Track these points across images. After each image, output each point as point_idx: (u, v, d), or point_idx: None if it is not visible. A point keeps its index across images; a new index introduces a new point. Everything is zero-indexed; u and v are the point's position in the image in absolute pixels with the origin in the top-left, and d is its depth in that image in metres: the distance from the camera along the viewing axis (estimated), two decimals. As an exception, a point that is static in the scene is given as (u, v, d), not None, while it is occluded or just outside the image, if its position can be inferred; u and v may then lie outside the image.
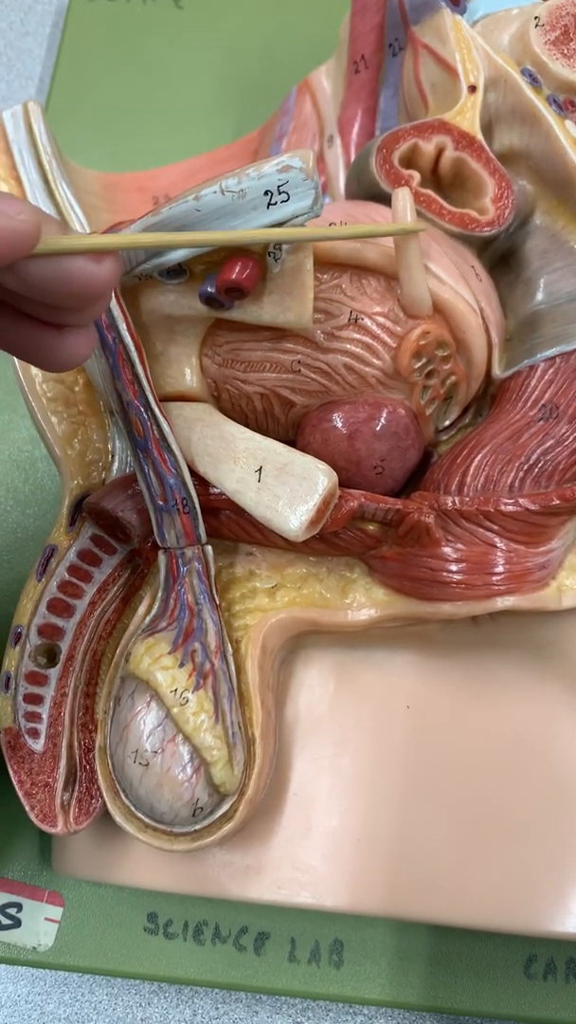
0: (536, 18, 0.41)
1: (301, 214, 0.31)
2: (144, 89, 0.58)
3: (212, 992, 0.43)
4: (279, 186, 0.31)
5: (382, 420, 0.36)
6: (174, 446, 0.35)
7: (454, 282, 0.36)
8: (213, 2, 0.60)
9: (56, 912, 0.42)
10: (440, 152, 0.39)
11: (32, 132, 0.44)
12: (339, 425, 0.36)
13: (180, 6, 0.60)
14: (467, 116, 0.40)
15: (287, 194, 0.31)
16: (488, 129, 0.41)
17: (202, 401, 0.37)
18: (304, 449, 0.37)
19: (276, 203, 0.31)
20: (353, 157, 0.45)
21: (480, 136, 0.40)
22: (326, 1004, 0.42)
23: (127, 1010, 0.43)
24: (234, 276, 0.33)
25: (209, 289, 0.34)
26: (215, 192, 0.31)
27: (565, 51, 0.40)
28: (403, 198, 0.34)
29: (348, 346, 0.36)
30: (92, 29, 0.60)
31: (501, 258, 0.42)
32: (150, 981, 0.43)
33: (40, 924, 0.42)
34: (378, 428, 0.36)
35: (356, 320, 0.35)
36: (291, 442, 0.37)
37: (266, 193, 0.31)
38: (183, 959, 0.41)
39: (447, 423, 0.39)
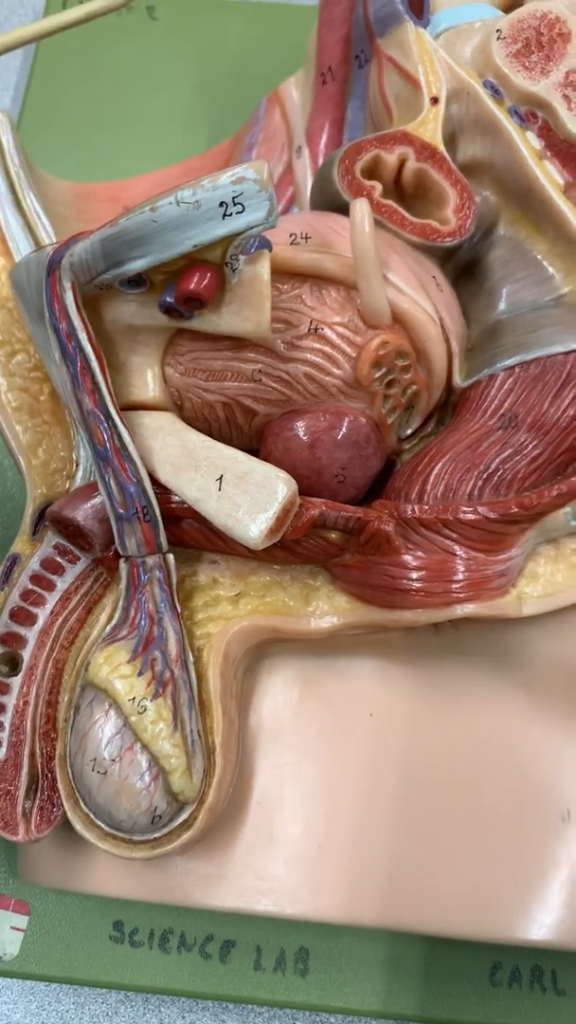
0: (498, 31, 0.41)
1: (256, 225, 0.31)
2: (118, 99, 0.59)
3: (179, 1000, 0.43)
4: (234, 197, 0.31)
5: (343, 429, 0.37)
6: (134, 455, 0.35)
7: (413, 292, 0.37)
8: (187, 14, 0.61)
9: (22, 921, 0.42)
10: (402, 163, 0.40)
11: (0, 143, 0.45)
12: (300, 434, 0.37)
13: (154, 17, 0.61)
14: (429, 127, 0.40)
15: (242, 205, 0.31)
16: (452, 140, 0.42)
17: (165, 410, 0.37)
18: (266, 458, 0.37)
19: (231, 214, 0.31)
20: (320, 168, 0.45)
21: (442, 147, 0.40)
22: (292, 1012, 0.42)
23: (94, 1019, 0.43)
24: (192, 286, 0.33)
25: (168, 299, 0.34)
26: (171, 203, 0.31)
27: (526, 64, 0.40)
28: (361, 209, 0.34)
29: (308, 355, 0.36)
30: (67, 40, 0.60)
31: (465, 268, 0.42)
32: (117, 990, 0.43)
33: (6, 933, 0.42)
34: (339, 437, 0.37)
35: (316, 330, 0.36)
36: (254, 451, 0.37)
37: (221, 204, 0.31)
38: (149, 967, 0.41)
39: (409, 432, 0.39)
